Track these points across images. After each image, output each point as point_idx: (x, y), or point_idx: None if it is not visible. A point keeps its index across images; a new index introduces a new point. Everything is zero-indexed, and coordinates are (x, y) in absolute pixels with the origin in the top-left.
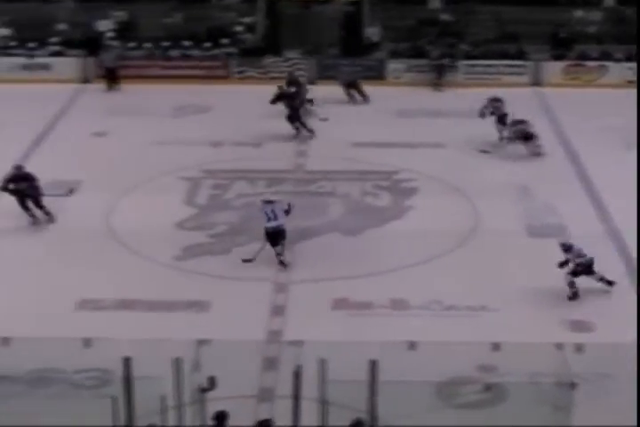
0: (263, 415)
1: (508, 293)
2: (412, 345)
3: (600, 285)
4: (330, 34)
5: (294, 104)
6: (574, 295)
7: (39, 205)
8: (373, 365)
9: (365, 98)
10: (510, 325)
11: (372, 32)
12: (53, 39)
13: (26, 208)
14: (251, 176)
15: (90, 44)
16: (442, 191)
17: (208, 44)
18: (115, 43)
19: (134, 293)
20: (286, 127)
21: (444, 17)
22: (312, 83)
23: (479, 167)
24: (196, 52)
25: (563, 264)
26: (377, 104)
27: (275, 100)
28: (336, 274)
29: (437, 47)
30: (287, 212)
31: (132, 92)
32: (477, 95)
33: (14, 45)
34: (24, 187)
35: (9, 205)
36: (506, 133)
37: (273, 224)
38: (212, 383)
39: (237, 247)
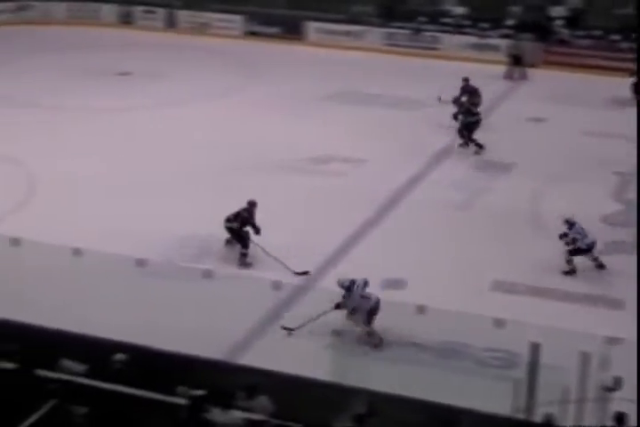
0: None
1: None
2: None
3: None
4: None
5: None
6: (572, 271)
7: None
8: None
9: None
10: None
11: None
12: (506, 22)
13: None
14: None
15: (538, 29)
16: None
17: None
18: (562, 30)
19: (549, 281)
20: None
21: None
22: None
23: None
24: None
25: (562, 236)
26: None
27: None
28: None
29: None
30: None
31: (573, 81)
32: None
33: (467, 24)
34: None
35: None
36: None
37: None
38: (617, 383)
39: None
